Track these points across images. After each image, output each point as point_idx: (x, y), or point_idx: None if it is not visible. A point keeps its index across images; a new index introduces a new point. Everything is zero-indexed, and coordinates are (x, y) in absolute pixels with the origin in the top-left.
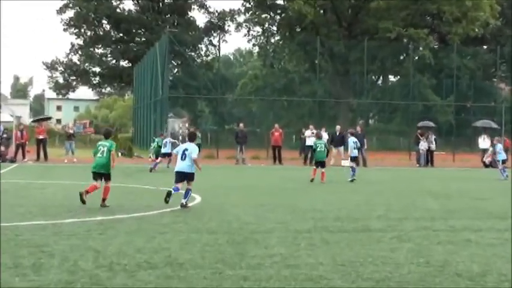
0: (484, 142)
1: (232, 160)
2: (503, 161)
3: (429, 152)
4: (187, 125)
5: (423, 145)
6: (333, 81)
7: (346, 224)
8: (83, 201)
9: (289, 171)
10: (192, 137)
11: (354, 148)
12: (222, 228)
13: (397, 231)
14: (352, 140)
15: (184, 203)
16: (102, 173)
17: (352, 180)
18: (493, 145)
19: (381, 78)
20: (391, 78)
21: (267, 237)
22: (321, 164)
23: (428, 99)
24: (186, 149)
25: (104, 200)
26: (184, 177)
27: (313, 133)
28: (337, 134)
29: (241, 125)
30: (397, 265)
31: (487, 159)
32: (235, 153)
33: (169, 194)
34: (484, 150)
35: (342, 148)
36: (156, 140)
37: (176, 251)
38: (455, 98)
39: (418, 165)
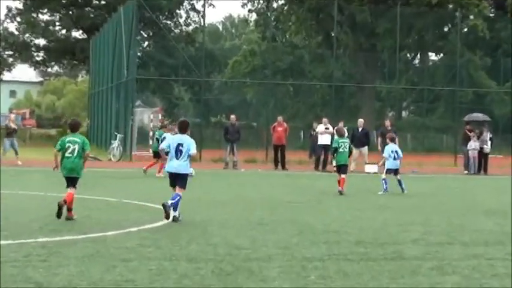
0: None
1: (220, 164)
2: None
3: (482, 154)
4: (160, 116)
5: (473, 145)
6: (354, 59)
7: (370, 249)
8: (59, 215)
9: (295, 179)
10: (184, 127)
11: (394, 159)
12: (205, 254)
13: (438, 259)
14: (390, 149)
15: (169, 205)
16: (73, 178)
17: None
18: None
19: (418, 56)
20: (432, 56)
21: (265, 266)
22: (343, 168)
23: (480, 85)
24: (180, 144)
25: (70, 210)
26: (176, 179)
27: (327, 128)
28: (360, 130)
29: (232, 117)
30: None
31: None
32: (224, 155)
33: (166, 208)
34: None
35: (365, 149)
36: (157, 132)
37: (144, 284)
38: None
39: (466, 172)
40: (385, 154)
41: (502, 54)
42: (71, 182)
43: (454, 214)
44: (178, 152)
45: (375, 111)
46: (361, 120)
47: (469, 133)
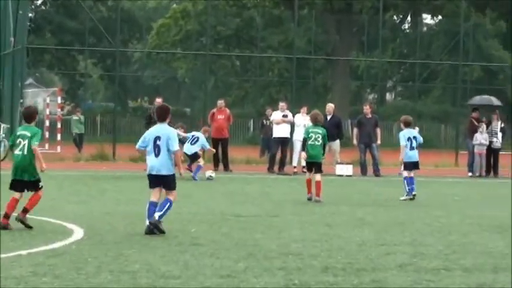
0: None
1: (140, 164)
2: None
3: (491, 151)
4: (60, 100)
5: (480, 139)
6: (322, 24)
7: (342, 278)
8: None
9: (242, 184)
10: (163, 114)
11: (411, 148)
12: (120, 285)
13: None
14: (407, 135)
15: (158, 220)
16: (26, 181)
17: (411, 198)
18: None
19: (409, 19)
20: (427, 19)
21: None
22: (316, 166)
23: (491, 59)
24: (158, 137)
25: (26, 211)
26: (160, 182)
27: (285, 116)
28: (329, 118)
29: (158, 101)
30: None
31: None
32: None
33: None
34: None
35: (337, 143)
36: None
37: None
38: None
39: (470, 174)
40: (402, 142)
41: None
42: (27, 188)
43: (454, 231)
44: (156, 148)
45: (349, 93)
46: (330, 105)
47: (475, 122)
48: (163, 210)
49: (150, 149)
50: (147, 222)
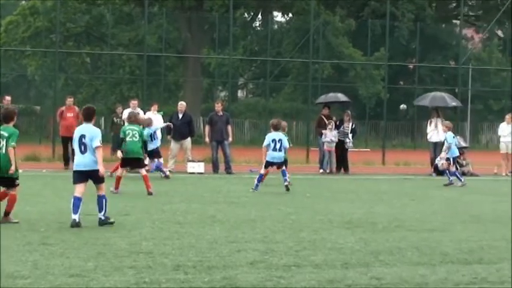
0: (435, 130)
1: None
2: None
3: (341, 148)
4: None
5: (330, 136)
6: (174, 21)
7: (193, 276)
8: None
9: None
10: (90, 115)
11: (274, 149)
12: None
13: (283, 287)
14: (269, 136)
15: (104, 218)
16: (5, 179)
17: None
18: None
19: (260, 17)
20: (278, 17)
21: None
22: (136, 162)
23: (341, 56)
24: (83, 135)
25: (8, 213)
26: (87, 177)
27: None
28: (180, 116)
29: (7, 98)
30: None
31: (441, 162)
32: None
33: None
34: (436, 145)
35: (188, 141)
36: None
37: None
38: (387, 54)
39: (321, 170)
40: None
41: (370, 14)
42: (4, 184)
43: (304, 228)
44: (82, 145)
45: (201, 90)
46: (182, 104)
47: (325, 119)
48: (104, 208)
49: (76, 146)
50: (73, 217)
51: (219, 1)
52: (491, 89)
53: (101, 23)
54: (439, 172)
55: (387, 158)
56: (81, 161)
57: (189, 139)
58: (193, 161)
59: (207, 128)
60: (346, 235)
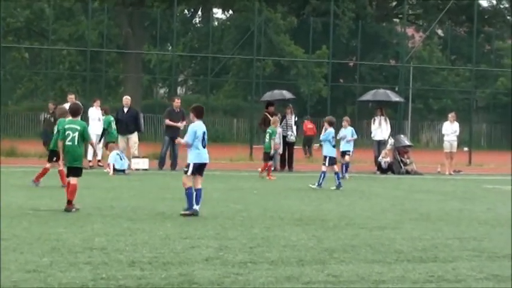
0: (379, 129)
1: None
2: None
3: (286, 145)
4: None
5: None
6: (115, 17)
7: (149, 272)
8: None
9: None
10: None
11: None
12: None
13: (240, 283)
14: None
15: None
16: (73, 168)
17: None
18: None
19: (200, 13)
20: (218, 14)
21: None
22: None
23: (283, 54)
24: (205, 132)
25: (70, 202)
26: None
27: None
28: (126, 110)
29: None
30: None
31: (384, 160)
32: None
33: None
34: (379, 144)
35: (135, 136)
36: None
37: None
38: (331, 51)
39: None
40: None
41: (311, 12)
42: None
43: (256, 224)
44: (203, 140)
45: (141, 86)
46: (127, 98)
47: (269, 116)
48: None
49: (199, 142)
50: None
51: None
52: (431, 88)
53: (41, 18)
54: (382, 170)
55: None
56: (204, 155)
57: (135, 134)
58: (137, 157)
59: (168, 121)
60: (298, 232)
